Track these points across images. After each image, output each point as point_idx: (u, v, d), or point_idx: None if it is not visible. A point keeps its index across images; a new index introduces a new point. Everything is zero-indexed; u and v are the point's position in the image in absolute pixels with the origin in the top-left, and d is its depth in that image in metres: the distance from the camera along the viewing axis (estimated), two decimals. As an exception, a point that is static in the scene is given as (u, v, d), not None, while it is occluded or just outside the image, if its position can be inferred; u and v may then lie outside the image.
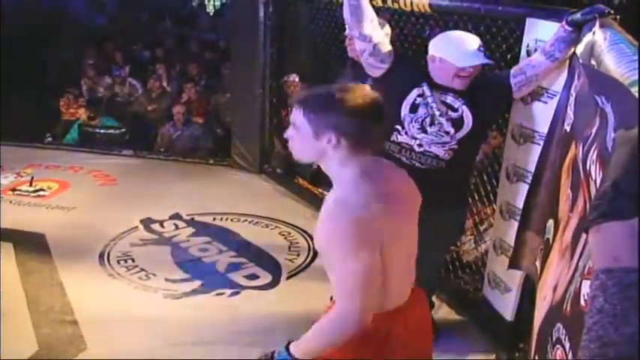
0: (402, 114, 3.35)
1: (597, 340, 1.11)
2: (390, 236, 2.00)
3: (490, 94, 3.35)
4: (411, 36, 4.52)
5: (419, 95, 3.33)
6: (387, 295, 2.11)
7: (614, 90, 1.77)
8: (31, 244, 4.99)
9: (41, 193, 6.16)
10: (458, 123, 3.30)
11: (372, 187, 2.00)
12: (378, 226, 1.96)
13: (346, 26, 4.05)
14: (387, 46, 3.41)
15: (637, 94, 1.57)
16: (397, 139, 3.39)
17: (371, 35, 3.33)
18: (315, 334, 2.07)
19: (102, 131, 8.22)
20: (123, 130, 8.32)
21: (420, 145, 3.35)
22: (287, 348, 2.11)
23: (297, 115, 2.04)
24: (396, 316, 2.16)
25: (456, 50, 3.25)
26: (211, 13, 15.22)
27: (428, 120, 3.31)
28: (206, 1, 15.48)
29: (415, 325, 2.25)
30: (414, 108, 3.34)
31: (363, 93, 2.01)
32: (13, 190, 6.17)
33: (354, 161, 2.02)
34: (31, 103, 9.07)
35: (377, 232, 1.95)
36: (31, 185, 6.29)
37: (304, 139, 2.04)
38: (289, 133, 2.09)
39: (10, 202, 5.91)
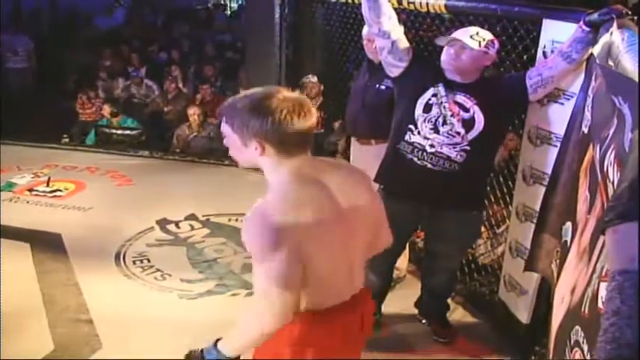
0: (416, 114, 3.36)
1: (614, 341, 1.10)
2: (317, 240, 1.96)
3: (504, 96, 3.34)
4: (427, 37, 4.51)
5: (433, 95, 3.33)
6: (317, 296, 2.07)
7: (631, 91, 1.76)
8: (47, 244, 5.02)
9: (58, 193, 6.20)
10: (468, 123, 3.29)
11: (298, 191, 1.98)
12: (295, 232, 1.90)
13: (363, 28, 4.07)
14: (405, 44, 3.42)
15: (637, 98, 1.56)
16: (410, 139, 3.38)
17: (390, 32, 3.37)
18: (236, 333, 2.09)
19: (118, 132, 8.26)
20: (139, 131, 8.36)
21: (431, 146, 3.34)
22: (215, 345, 2.15)
23: (223, 125, 2.04)
24: (325, 315, 2.10)
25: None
26: (228, 15, 15.28)
27: (440, 120, 3.31)
28: (222, 2, 15.55)
29: (343, 331, 2.16)
30: (427, 108, 3.35)
31: (282, 97, 1.95)
32: (30, 190, 6.21)
33: (284, 166, 1.99)
34: (48, 104, 9.15)
35: (292, 237, 1.90)
36: (47, 185, 6.33)
37: (235, 148, 2.04)
38: (225, 141, 2.09)
39: (27, 202, 5.95)
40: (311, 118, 1.99)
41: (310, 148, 2.05)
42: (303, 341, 2.08)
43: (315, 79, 6.50)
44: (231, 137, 2.02)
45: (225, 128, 2.03)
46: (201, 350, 2.21)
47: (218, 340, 2.16)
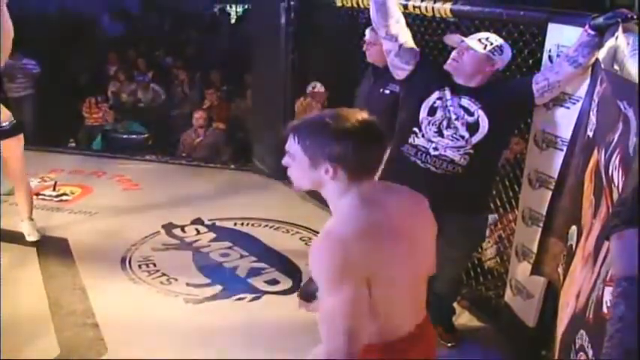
0: (421, 117, 3.37)
1: (619, 347, 1.10)
2: (385, 266, 1.91)
3: (510, 100, 3.35)
4: (433, 42, 4.51)
5: (439, 98, 3.35)
6: (387, 326, 2.02)
7: (636, 95, 1.76)
8: (53, 249, 5.03)
9: (64, 197, 6.21)
10: (473, 127, 3.30)
11: (368, 217, 1.92)
12: (367, 258, 1.86)
13: (366, 32, 4.08)
14: (412, 47, 3.44)
15: None
16: (414, 141, 3.39)
17: (397, 35, 3.39)
18: None
19: (125, 136, 8.28)
20: (146, 135, 8.38)
21: (435, 149, 3.35)
22: None
23: (292, 144, 1.97)
24: (397, 347, 2.06)
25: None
26: (233, 20, 15.30)
27: (445, 123, 3.32)
28: (228, 8, 15.57)
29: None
30: (432, 111, 3.36)
31: (358, 118, 1.91)
32: (37, 194, 6.19)
33: (352, 190, 1.94)
34: (55, 109, 9.16)
35: (364, 264, 1.86)
36: (54, 190, 6.34)
37: (301, 168, 1.97)
38: (286, 161, 2.01)
39: (34, 206, 5.95)
40: (383, 143, 1.99)
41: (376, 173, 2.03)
42: None
43: (322, 88, 6.49)
44: (299, 157, 1.96)
45: (293, 147, 1.96)
46: None
47: None
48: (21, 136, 4.86)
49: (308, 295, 2.31)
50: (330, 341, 1.85)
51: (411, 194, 2.19)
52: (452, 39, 3.42)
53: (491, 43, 3.29)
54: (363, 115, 1.95)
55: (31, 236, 5.08)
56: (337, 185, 1.95)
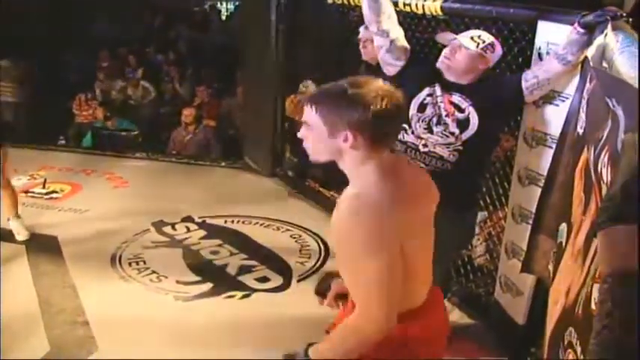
0: (410, 113, 3.37)
1: (605, 343, 1.10)
2: (408, 234, 1.92)
3: (500, 97, 3.34)
4: (423, 39, 4.51)
5: (429, 95, 3.35)
6: (407, 295, 2.01)
7: (625, 93, 1.76)
8: (43, 246, 5.02)
9: (54, 195, 6.20)
10: (463, 124, 3.30)
11: (391, 185, 1.91)
12: (399, 224, 1.87)
13: (360, 29, 4.07)
14: (403, 43, 3.44)
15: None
16: (403, 138, 3.39)
17: (389, 30, 3.40)
18: (337, 340, 2.02)
19: (115, 134, 8.25)
20: (136, 132, 8.35)
21: (425, 146, 3.35)
22: (306, 352, 2.07)
23: (309, 114, 1.95)
24: (414, 315, 2.07)
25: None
26: (224, 17, 15.26)
27: (434, 120, 3.32)
28: (219, 4, 15.52)
29: (433, 325, 2.18)
30: (422, 107, 3.36)
31: (377, 86, 1.90)
32: (26, 192, 6.19)
33: (372, 158, 1.93)
34: (44, 106, 9.12)
35: (397, 230, 1.87)
36: (44, 187, 6.32)
37: (319, 138, 1.95)
38: (303, 132, 2.00)
39: (23, 204, 5.91)
40: (403, 110, 1.97)
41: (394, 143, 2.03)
42: (401, 342, 2.05)
43: (313, 86, 6.48)
44: (317, 126, 1.94)
45: (312, 117, 1.95)
46: (293, 355, 2.12)
47: (309, 346, 2.08)
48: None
49: (324, 290, 2.35)
50: (367, 310, 1.89)
51: (414, 165, 2.21)
52: (444, 37, 3.42)
53: (484, 41, 3.29)
54: (381, 82, 1.95)
55: (20, 235, 5.07)
56: (356, 154, 1.93)
